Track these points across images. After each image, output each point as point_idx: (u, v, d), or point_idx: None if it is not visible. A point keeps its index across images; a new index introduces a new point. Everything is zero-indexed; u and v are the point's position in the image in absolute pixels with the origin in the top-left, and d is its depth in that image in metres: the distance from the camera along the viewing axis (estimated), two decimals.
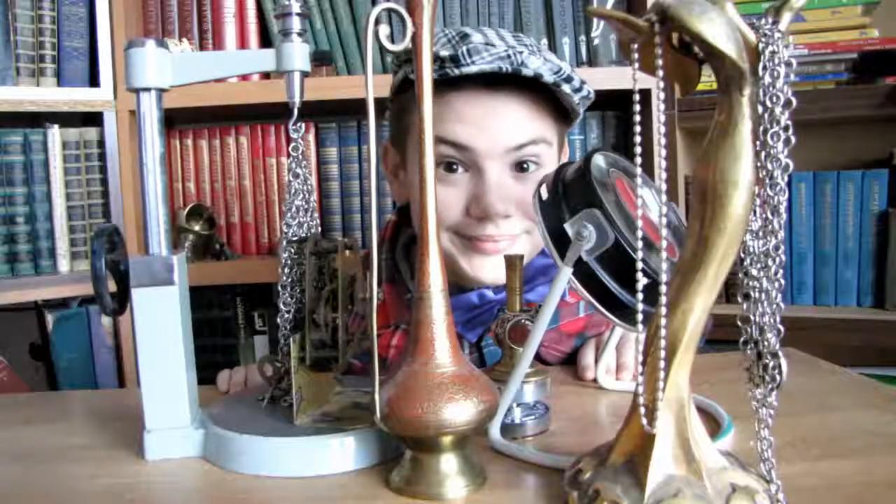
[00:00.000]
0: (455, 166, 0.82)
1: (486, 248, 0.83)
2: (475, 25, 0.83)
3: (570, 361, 0.86)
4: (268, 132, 1.50)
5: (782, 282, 0.43)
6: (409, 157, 0.87)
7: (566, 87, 0.79)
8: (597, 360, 0.78)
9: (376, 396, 0.51)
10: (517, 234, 0.84)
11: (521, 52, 0.76)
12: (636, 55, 0.42)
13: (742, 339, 0.44)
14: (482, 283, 0.86)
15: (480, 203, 0.80)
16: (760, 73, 0.41)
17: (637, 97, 0.42)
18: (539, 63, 0.77)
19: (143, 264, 0.60)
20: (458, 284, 0.88)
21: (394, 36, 0.50)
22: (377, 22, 0.49)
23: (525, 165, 0.83)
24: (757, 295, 0.43)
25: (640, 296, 0.43)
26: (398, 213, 0.98)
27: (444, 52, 0.76)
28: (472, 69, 0.75)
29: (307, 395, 0.62)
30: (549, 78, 0.77)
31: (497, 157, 0.80)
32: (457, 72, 0.76)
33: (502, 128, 0.79)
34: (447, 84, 0.78)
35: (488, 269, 0.84)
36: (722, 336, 0.65)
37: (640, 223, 0.43)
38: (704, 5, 0.39)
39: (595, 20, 1.43)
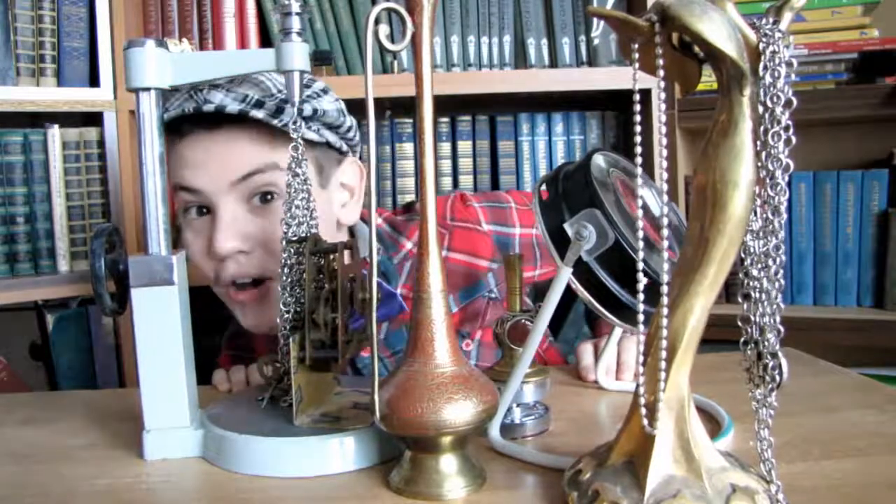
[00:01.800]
0: (201, 209, 0.81)
1: (238, 299, 0.83)
2: None
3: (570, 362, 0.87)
4: None
5: (782, 282, 0.43)
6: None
7: (258, 113, 0.75)
8: (597, 361, 0.78)
9: (376, 396, 0.51)
10: (264, 277, 0.81)
11: (202, 90, 0.76)
12: (636, 55, 0.42)
13: (742, 340, 0.44)
14: (258, 331, 0.86)
15: (212, 242, 0.78)
16: (761, 72, 0.41)
17: (637, 97, 0.42)
18: (220, 96, 0.75)
19: (142, 264, 0.60)
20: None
21: (394, 36, 0.50)
22: (377, 22, 0.49)
23: (267, 196, 0.79)
24: (757, 295, 0.43)
25: (641, 296, 0.43)
26: None
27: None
28: (171, 114, 0.76)
29: (307, 395, 0.62)
30: (232, 108, 0.74)
31: (225, 193, 0.78)
32: (172, 114, 0.76)
33: (222, 163, 0.78)
34: (176, 132, 0.78)
35: (251, 318, 0.84)
36: (722, 336, 0.65)
37: (640, 223, 0.43)
38: (705, 5, 0.39)
39: (595, 20, 1.43)
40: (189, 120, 0.77)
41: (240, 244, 0.79)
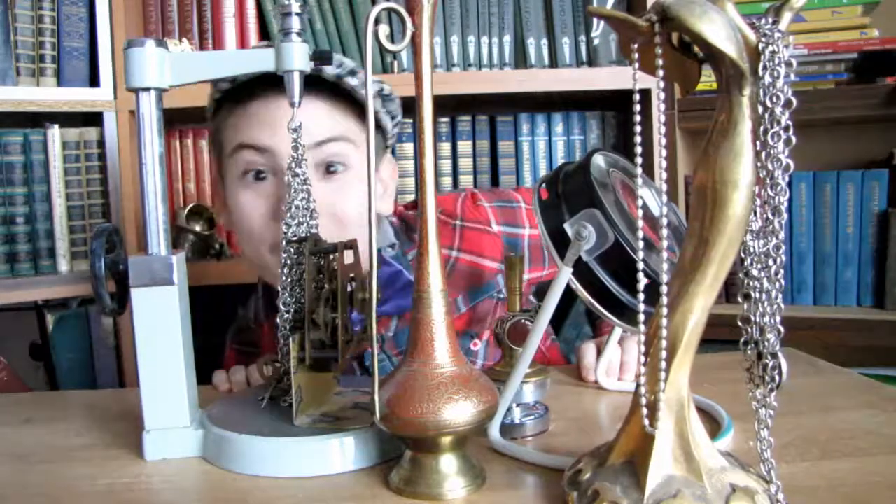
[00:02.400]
0: (262, 174, 0.80)
1: None
2: None
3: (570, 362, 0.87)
4: None
5: (782, 282, 0.43)
6: (226, 174, 0.85)
7: (352, 81, 0.78)
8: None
9: (376, 396, 0.51)
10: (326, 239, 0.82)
11: None
12: (636, 55, 0.42)
13: (742, 340, 0.44)
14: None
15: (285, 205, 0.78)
16: (760, 73, 0.40)
17: (637, 97, 0.42)
18: (337, 65, 0.76)
19: (142, 264, 0.60)
20: None
21: (394, 36, 0.50)
22: (377, 22, 0.49)
23: (331, 167, 0.81)
24: (757, 295, 0.43)
25: (641, 296, 0.43)
26: None
27: None
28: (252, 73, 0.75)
29: (307, 395, 0.62)
30: (329, 72, 0.76)
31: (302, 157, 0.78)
32: (243, 77, 0.76)
33: (306, 126, 0.76)
34: (244, 93, 0.78)
35: None
36: (722, 336, 0.65)
37: (640, 223, 0.43)
38: (704, 5, 0.39)
39: (595, 20, 1.43)
40: (264, 80, 0.76)
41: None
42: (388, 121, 0.85)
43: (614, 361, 0.78)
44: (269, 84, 0.77)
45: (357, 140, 0.83)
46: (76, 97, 1.36)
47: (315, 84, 0.77)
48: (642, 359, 0.45)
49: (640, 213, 0.44)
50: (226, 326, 1.08)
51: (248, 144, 0.79)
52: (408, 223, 0.96)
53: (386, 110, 0.84)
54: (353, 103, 0.81)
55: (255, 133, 0.79)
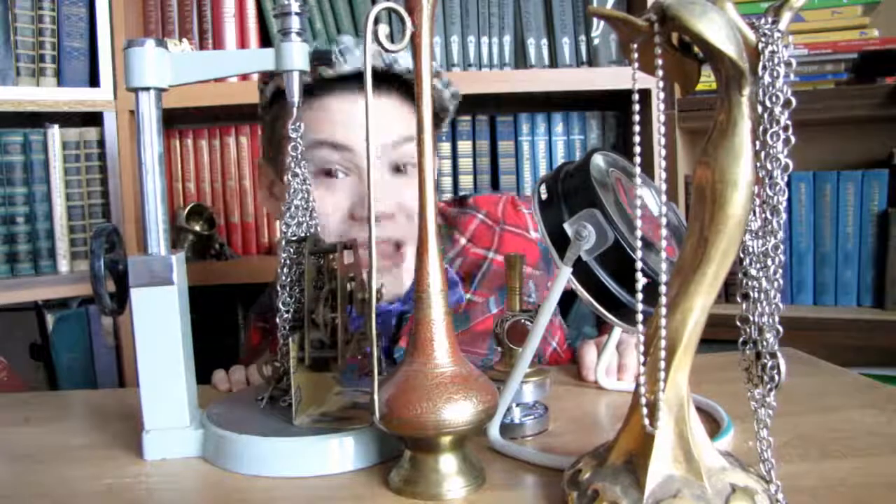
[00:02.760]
0: (336, 171, 0.81)
1: (389, 263, 0.82)
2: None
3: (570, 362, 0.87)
4: None
5: (781, 282, 0.43)
6: (275, 162, 0.86)
7: (437, 83, 0.79)
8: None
9: (375, 396, 0.51)
10: (401, 242, 0.83)
11: (389, 50, 0.77)
12: (636, 55, 0.42)
13: (741, 339, 0.44)
14: (385, 298, 0.85)
15: (364, 204, 0.79)
16: (760, 72, 0.41)
17: (637, 97, 0.42)
18: (410, 59, 0.77)
19: (142, 264, 0.60)
20: None
21: (394, 36, 0.50)
22: (377, 22, 0.49)
23: (402, 168, 0.82)
24: (756, 295, 0.43)
25: (640, 296, 0.43)
26: None
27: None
28: (346, 68, 0.76)
29: (306, 395, 0.62)
30: (402, 66, 0.77)
31: (380, 159, 0.80)
32: (331, 72, 0.76)
33: (379, 125, 0.78)
34: (321, 88, 0.78)
35: (396, 283, 0.84)
36: (722, 336, 0.65)
37: (639, 223, 0.43)
38: (704, 5, 0.39)
39: (595, 20, 1.43)
40: (346, 76, 0.77)
41: (387, 207, 0.79)
42: (447, 120, 0.87)
43: (613, 362, 0.78)
44: (350, 79, 0.78)
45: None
46: (76, 97, 1.36)
47: (388, 81, 0.78)
48: (642, 358, 0.45)
49: (640, 212, 0.44)
50: (226, 326, 1.08)
51: (325, 142, 0.79)
52: (448, 220, 0.97)
53: (452, 108, 0.85)
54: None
55: (338, 131, 0.79)
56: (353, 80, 0.78)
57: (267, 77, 0.85)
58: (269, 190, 0.93)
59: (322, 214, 0.81)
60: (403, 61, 0.77)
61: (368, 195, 0.52)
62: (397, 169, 0.82)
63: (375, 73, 0.76)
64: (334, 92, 0.79)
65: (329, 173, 0.81)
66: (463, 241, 0.94)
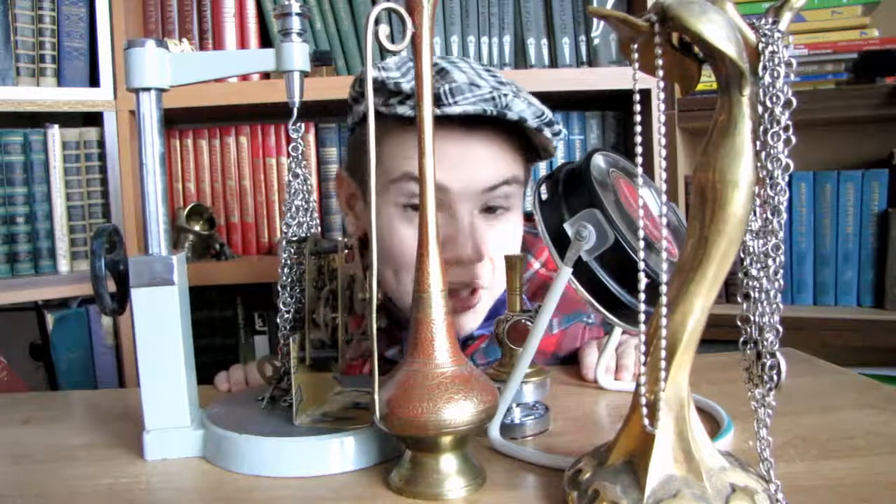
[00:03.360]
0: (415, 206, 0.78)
1: (459, 306, 0.80)
2: (448, 58, 0.80)
3: (571, 361, 0.87)
4: (268, 132, 1.50)
5: (782, 282, 0.43)
6: (378, 196, 0.81)
7: (547, 132, 0.76)
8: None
9: (376, 396, 0.51)
10: (475, 286, 0.79)
11: (505, 95, 0.72)
12: (636, 55, 0.42)
13: (741, 339, 0.44)
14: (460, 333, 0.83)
15: (453, 246, 0.76)
16: (760, 73, 0.41)
17: (637, 97, 0.42)
18: (524, 107, 0.73)
19: (142, 264, 0.60)
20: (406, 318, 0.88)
21: (394, 36, 0.50)
22: (377, 22, 0.49)
23: (494, 209, 0.79)
24: (756, 295, 0.43)
25: (641, 296, 0.43)
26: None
27: (407, 87, 0.73)
28: (456, 110, 0.71)
29: (307, 395, 0.62)
30: (532, 123, 0.74)
31: (469, 199, 0.77)
32: (438, 112, 0.70)
33: (477, 168, 0.76)
34: (409, 120, 0.74)
35: (462, 324, 0.82)
36: (722, 336, 0.65)
37: (640, 223, 0.43)
38: (704, 5, 0.39)
39: (595, 20, 1.43)
40: (453, 116, 0.73)
41: (477, 253, 0.76)
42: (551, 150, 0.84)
43: (612, 362, 0.78)
44: (456, 120, 0.74)
45: (523, 180, 0.83)
46: (76, 97, 1.36)
47: (496, 122, 0.75)
48: (642, 358, 0.45)
49: (641, 212, 0.44)
50: (226, 326, 1.08)
51: (412, 176, 0.76)
52: (524, 242, 0.92)
53: (551, 148, 0.82)
54: (523, 139, 0.80)
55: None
56: (455, 119, 0.74)
57: (358, 93, 0.81)
58: (348, 203, 0.89)
59: (398, 246, 0.78)
60: (517, 108, 0.73)
61: (370, 199, 0.52)
62: (490, 210, 0.79)
63: (483, 117, 0.73)
64: (441, 129, 0.75)
65: (415, 208, 0.76)
66: (536, 265, 0.92)
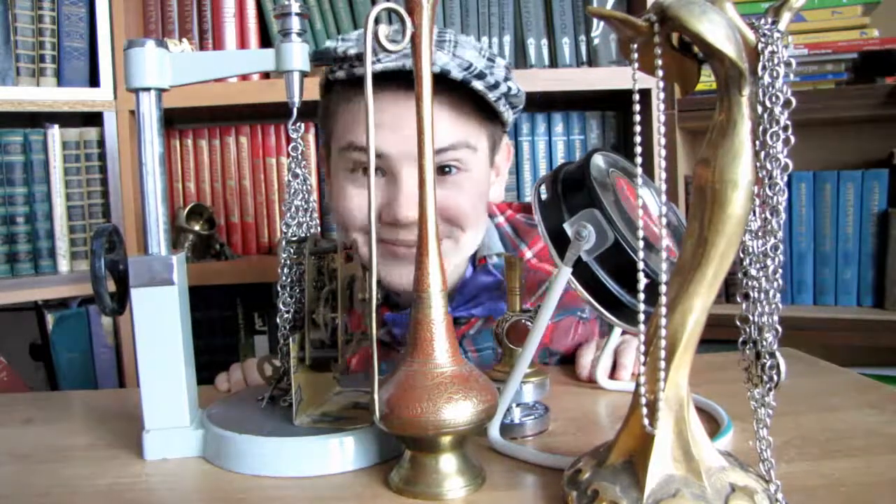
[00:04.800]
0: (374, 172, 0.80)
1: (397, 252, 0.81)
2: None
3: (570, 361, 0.87)
4: (268, 132, 1.50)
5: (781, 282, 0.43)
6: (333, 161, 0.85)
7: (478, 84, 0.75)
8: (594, 361, 0.78)
9: (376, 396, 0.51)
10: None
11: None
12: (636, 55, 0.42)
13: (741, 339, 0.44)
14: (394, 289, 0.84)
15: (391, 210, 0.78)
16: (760, 73, 0.41)
17: (637, 97, 0.42)
18: (447, 59, 0.73)
19: (142, 264, 0.60)
20: (393, 300, 0.88)
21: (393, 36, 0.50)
22: (377, 22, 0.49)
23: (447, 169, 0.80)
24: (756, 295, 0.43)
25: (641, 296, 0.43)
26: None
27: (353, 51, 0.74)
28: (377, 67, 0.72)
29: (307, 395, 0.62)
30: (457, 74, 0.73)
31: (413, 163, 0.75)
32: (361, 71, 0.72)
33: (415, 131, 0.77)
34: (361, 87, 0.76)
35: (397, 275, 0.82)
36: (721, 336, 0.65)
37: (640, 223, 0.43)
38: (704, 5, 0.39)
39: (595, 20, 1.43)
40: (386, 76, 0.73)
41: (414, 216, 0.77)
42: (508, 114, 0.84)
43: (611, 362, 0.78)
44: (391, 79, 0.74)
45: (477, 145, 0.82)
46: (76, 97, 1.36)
47: (439, 84, 0.73)
48: (642, 358, 0.45)
49: (641, 212, 0.44)
50: (226, 326, 1.08)
51: (358, 146, 0.79)
52: (517, 230, 0.95)
53: (509, 105, 0.82)
54: (479, 104, 0.80)
55: (364, 134, 0.78)
56: (394, 82, 0.74)
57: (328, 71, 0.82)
58: (328, 171, 0.92)
59: (348, 209, 0.81)
60: (439, 61, 0.73)
61: (369, 199, 0.52)
62: (441, 171, 0.80)
63: (386, 73, 0.73)
64: (378, 94, 0.74)
65: (364, 173, 0.80)
66: (528, 254, 0.93)
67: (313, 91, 1.30)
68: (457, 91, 0.77)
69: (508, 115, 0.84)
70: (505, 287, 0.86)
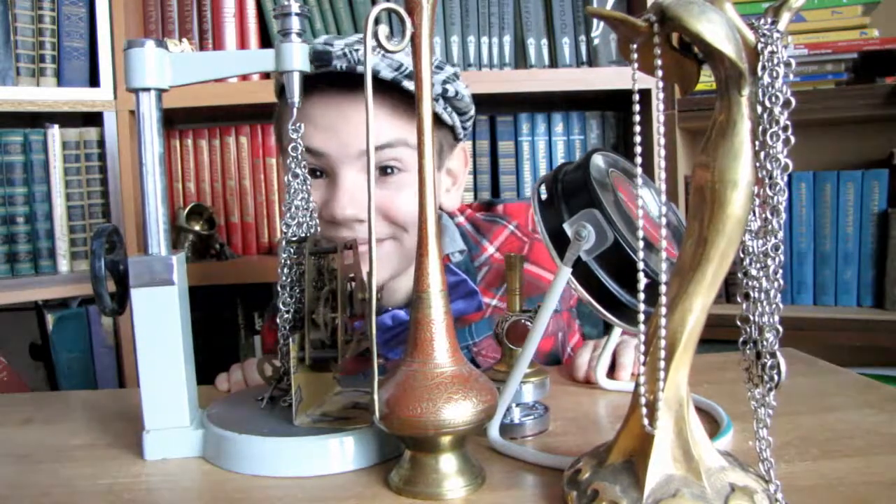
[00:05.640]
0: (318, 172, 0.81)
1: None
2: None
3: (552, 359, 0.87)
4: (268, 132, 1.50)
5: (781, 282, 0.43)
6: (282, 162, 0.87)
7: (409, 85, 0.77)
8: (591, 361, 0.78)
9: (375, 396, 0.51)
10: (377, 239, 0.81)
11: (356, 50, 0.75)
12: (635, 55, 0.42)
13: (741, 339, 0.44)
14: None
15: (329, 208, 0.79)
16: (759, 73, 0.41)
17: (637, 97, 0.42)
18: (376, 60, 0.75)
19: (142, 264, 0.60)
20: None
21: (393, 36, 0.50)
22: (377, 22, 0.49)
23: (388, 170, 0.81)
24: (756, 295, 0.43)
25: (641, 296, 0.43)
26: None
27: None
28: (328, 69, 0.74)
29: (307, 395, 0.62)
30: (387, 74, 0.75)
31: (350, 162, 0.79)
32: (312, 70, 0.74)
33: (353, 131, 0.78)
34: (305, 91, 0.78)
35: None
36: (721, 336, 0.65)
37: (640, 223, 0.43)
38: (703, 5, 0.40)
39: (595, 20, 1.43)
40: (323, 78, 0.76)
41: (358, 212, 0.79)
42: (454, 118, 0.85)
43: (609, 362, 0.78)
44: (329, 82, 0.77)
45: (415, 144, 0.82)
46: (76, 97, 1.36)
47: (375, 84, 0.76)
48: (641, 358, 0.45)
49: (641, 212, 0.44)
50: (226, 326, 1.08)
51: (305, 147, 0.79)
52: (478, 227, 0.96)
53: (451, 109, 0.84)
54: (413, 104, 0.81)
55: (312, 135, 0.79)
56: (333, 85, 0.78)
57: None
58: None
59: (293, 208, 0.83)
60: (386, 70, 0.76)
61: (369, 196, 0.52)
62: (382, 171, 0.81)
63: (356, 78, 0.75)
64: (314, 96, 0.78)
65: (312, 174, 0.81)
66: (491, 249, 0.94)
67: None
68: (395, 92, 0.78)
69: (452, 119, 0.84)
70: (470, 287, 0.87)
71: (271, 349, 1.00)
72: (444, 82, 0.81)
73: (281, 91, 0.85)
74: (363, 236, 0.80)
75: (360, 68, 0.74)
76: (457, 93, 0.82)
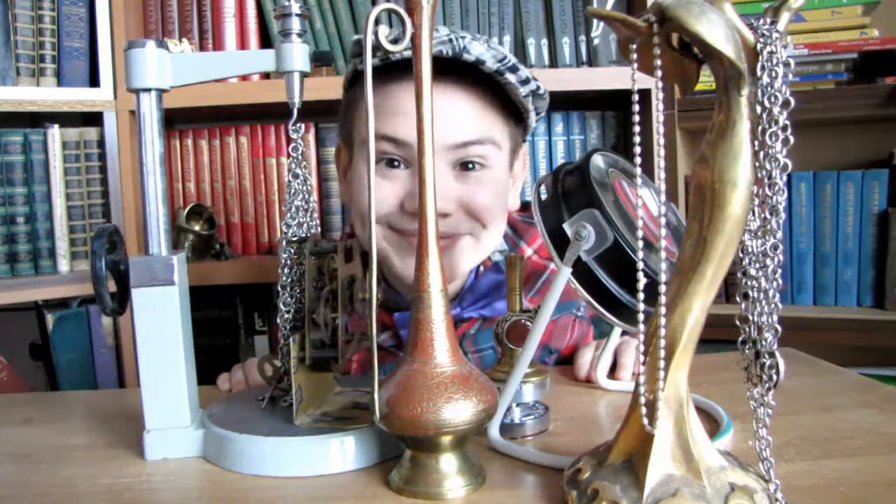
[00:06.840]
0: (396, 163, 0.79)
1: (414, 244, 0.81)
2: None
3: (569, 361, 0.87)
4: (268, 132, 1.50)
5: (780, 281, 0.43)
6: (355, 154, 0.84)
7: (511, 77, 0.75)
8: (593, 361, 0.78)
9: (376, 396, 0.51)
10: (455, 234, 0.81)
11: (463, 38, 0.73)
12: (635, 55, 0.42)
13: (740, 339, 0.45)
14: (404, 279, 0.83)
15: (415, 200, 0.78)
16: (759, 73, 0.41)
17: (636, 97, 0.42)
18: (482, 49, 0.73)
19: (142, 264, 0.60)
20: (395, 302, 0.88)
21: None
22: (377, 22, 0.49)
23: (470, 165, 0.80)
24: (755, 294, 0.43)
25: (641, 296, 0.43)
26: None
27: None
28: (407, 54, 0.73)
29: (307, 395, 0.62)
30: (491, 65, 0.73)
31: (438, 154, 0.76)
32: (398, 56, 0.71)
33: (445, 124, 0.75)
34: (389, 75, 0.75)
35: (410, 266, 0.81)
36: (721, 336, 0.65)
37: (640, 223, 0.43)
38: (703, 5, 0.40)
39: (595, 20, 1.43)
40: (405, 64, 0.74)
41: (443, 207, 0.76)
42: (533, 118, 0.84)
43: (611, 361, 0.78)
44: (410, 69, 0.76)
45: (502, 144, 0.81)
46: (76, 97, 1.36)
47: (470, 76, 0.74)
48: (641, 358, 0.45)
49: (640, 212, 0.44)
50: (226, 326, 1.08)
51: (381, 135, 0.77)
52: (516, 229, 0.95)
53: (535, 108, 0.82)
54: (505, 105, 0.80)
55: (398, 124, 0.76)
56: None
57: (351, 54, 0.82)
58: (344, 172, 0.90)
59: (358, 198, 0.81)
60: (475, 50, 0.72)
61: (370, 196, 0.52)
62: (464, 167, 0.79)
63: (447, 68, 0.72)
64: (402, 81, 0.75)
65: (388, 164, 0.79)
66: (529, 251, 0.94)
67: (313, 91, 1.30)
68: (485, 86, 0.76)
69: (533, 117, 0.84)
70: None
71: None
72: (531, 80, 0.79)
73: (351, 82, 0.83)
74: (445, 230, 0.79)
75: (465, 56, 0.72)
76: (544, 91, 0.80)
